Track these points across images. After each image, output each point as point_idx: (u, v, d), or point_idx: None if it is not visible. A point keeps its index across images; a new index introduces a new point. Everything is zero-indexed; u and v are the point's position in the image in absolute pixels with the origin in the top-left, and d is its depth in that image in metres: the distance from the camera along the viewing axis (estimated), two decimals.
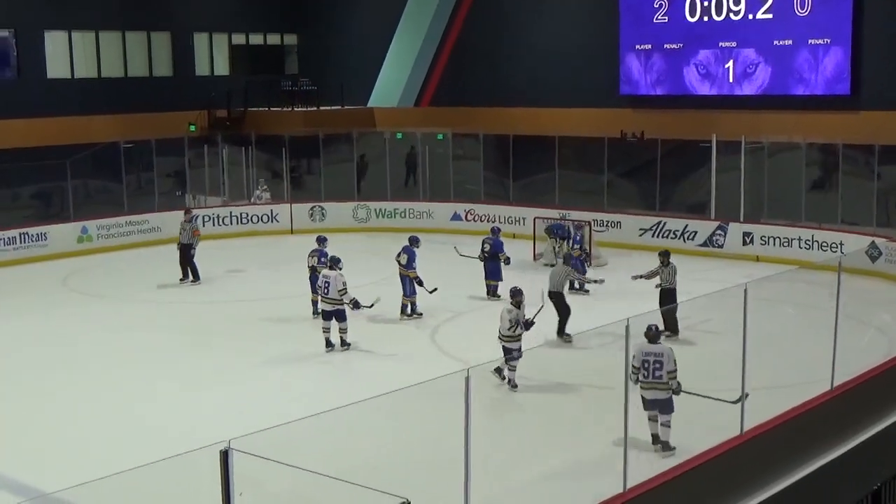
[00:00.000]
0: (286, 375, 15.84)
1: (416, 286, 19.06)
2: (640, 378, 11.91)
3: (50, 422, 13.93)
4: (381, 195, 29.58)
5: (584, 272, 20.50)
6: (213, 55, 35.00)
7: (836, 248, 22.94)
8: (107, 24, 31.87)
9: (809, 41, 26.78)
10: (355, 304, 16.95)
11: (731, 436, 11.50)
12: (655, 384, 11.92)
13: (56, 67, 30.94)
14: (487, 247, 20.37)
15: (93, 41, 31.76)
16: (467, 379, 8.48)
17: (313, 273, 18.64)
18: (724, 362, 13.45)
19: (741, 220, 25.14)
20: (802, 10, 26.73)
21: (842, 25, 26.25)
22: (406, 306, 19.05)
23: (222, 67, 35.21)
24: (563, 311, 16.95)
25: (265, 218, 28.95)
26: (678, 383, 12.01)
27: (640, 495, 10.06)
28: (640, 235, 26.12)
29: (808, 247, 23.01)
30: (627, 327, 10.06)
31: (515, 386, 14.18)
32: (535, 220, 25.34)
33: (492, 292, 20.21)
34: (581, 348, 16.84)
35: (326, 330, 16.85)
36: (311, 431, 10.22)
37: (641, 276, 17.48)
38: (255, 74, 34.83)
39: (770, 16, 27.36)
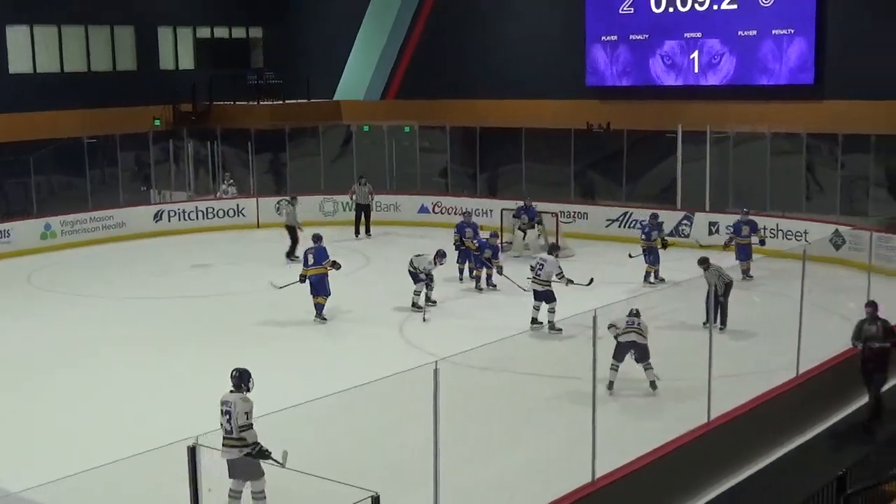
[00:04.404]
0: (253, 370, 15.74)
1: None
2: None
3: (17, 420, 13.79)
4: (347, 188, 29.47)
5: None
6: (178, 49, 34.71)
7: (801, 236, 23.14)
8: (69, 18, 31.52)
9: (773, 31, 26.92)
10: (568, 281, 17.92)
11: (698, 424, 11.59)
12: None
13: (18, 62, 30.55)
14: (311, 258, 18.71)
15: (55, 35, 31.44)
16: (436, 371, 8.49)
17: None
18: (691, 351, 13.52)
19: (707, 209, 25.31)
20: (766, 0, 26.88)
21: (805, 15, 26.40)
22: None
23: (187, 61, 34.94)
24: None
25: (231, 212, 28.82)
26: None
27: (609, 485, 10.11)
28: (607, 226, 26.23)
29: (773, 235, 23.16)
30: (595, 318, 10.10)
31: None
32: (502, 211, 25.38)
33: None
34: (548, 338, 16.93)
35: (537, 309, 17.66)
36: (279, 426, 10.20)
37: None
38: (220, 68, 34.56)
39: (734, 6, 27.48)
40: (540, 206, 24.78)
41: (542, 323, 17.47)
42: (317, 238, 19.00)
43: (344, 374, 13.04)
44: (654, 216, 21.95)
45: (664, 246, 20.96)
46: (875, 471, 9.32)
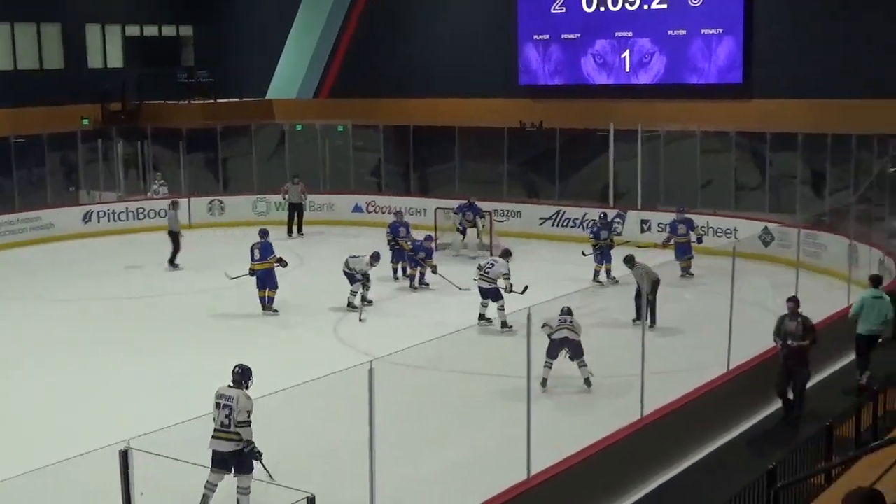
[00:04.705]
0: (186, 371, 15.60)
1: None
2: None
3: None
4: (280, 188, 29.29)
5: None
6: (106, 47, 34.22)
7: (731, 233, 23.46)
8: None
9: (702, 31, 27.30)
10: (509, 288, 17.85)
11: (631, 420, 11.69)
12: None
13: None
14: (256, 253, 19.07)
15: None
16: (371, 371, 8.47)
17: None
18: (623, 348, 13.64)
19: (639, 207, 25.55)
20: (695, 0, 27.23)
21: (734, 15, 26.82)
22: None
23: (116, 60, 34.45)
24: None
25: (162, 213, 28.40)
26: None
27: (544, 481, 10.16)
28: (541, 224, 26.38)
29: (703, 233, 23.42)
30: (529, 316, 10.15)
31: None
32: (436, 210, 25.38)
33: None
34: (483, 336, 16.97)
35: (484, 306, 17.73)
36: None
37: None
38: (151, 66, 34.13)
39: (664, 6, 27.81)
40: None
41: (490, 319, 17.54)
42: (263, 233, 19.41)
43: (278, 374, 12.97)
44: (604, 215, 22.12)
45: (611, 245, 21.09)
46: (801, 464, 9.48)
